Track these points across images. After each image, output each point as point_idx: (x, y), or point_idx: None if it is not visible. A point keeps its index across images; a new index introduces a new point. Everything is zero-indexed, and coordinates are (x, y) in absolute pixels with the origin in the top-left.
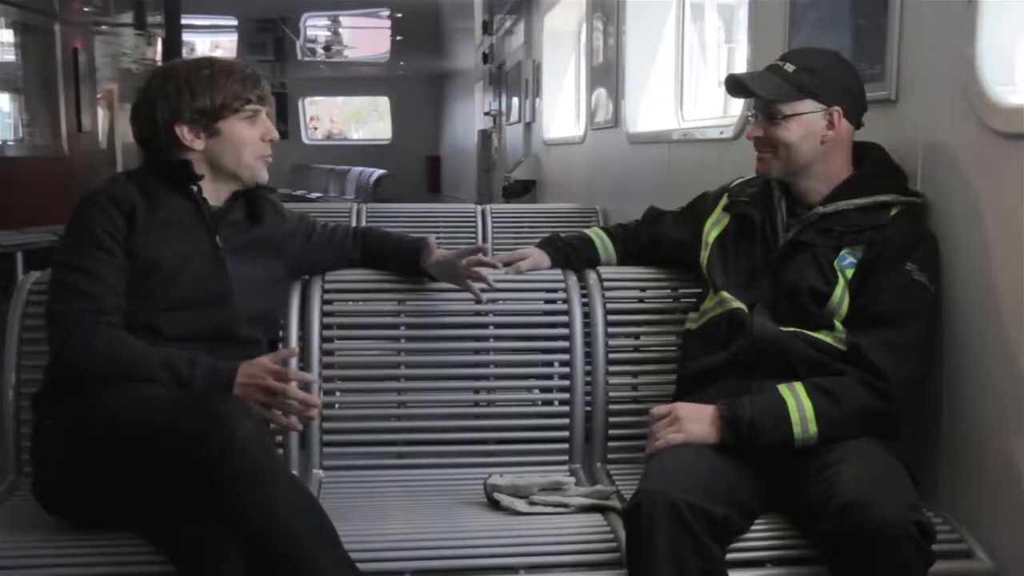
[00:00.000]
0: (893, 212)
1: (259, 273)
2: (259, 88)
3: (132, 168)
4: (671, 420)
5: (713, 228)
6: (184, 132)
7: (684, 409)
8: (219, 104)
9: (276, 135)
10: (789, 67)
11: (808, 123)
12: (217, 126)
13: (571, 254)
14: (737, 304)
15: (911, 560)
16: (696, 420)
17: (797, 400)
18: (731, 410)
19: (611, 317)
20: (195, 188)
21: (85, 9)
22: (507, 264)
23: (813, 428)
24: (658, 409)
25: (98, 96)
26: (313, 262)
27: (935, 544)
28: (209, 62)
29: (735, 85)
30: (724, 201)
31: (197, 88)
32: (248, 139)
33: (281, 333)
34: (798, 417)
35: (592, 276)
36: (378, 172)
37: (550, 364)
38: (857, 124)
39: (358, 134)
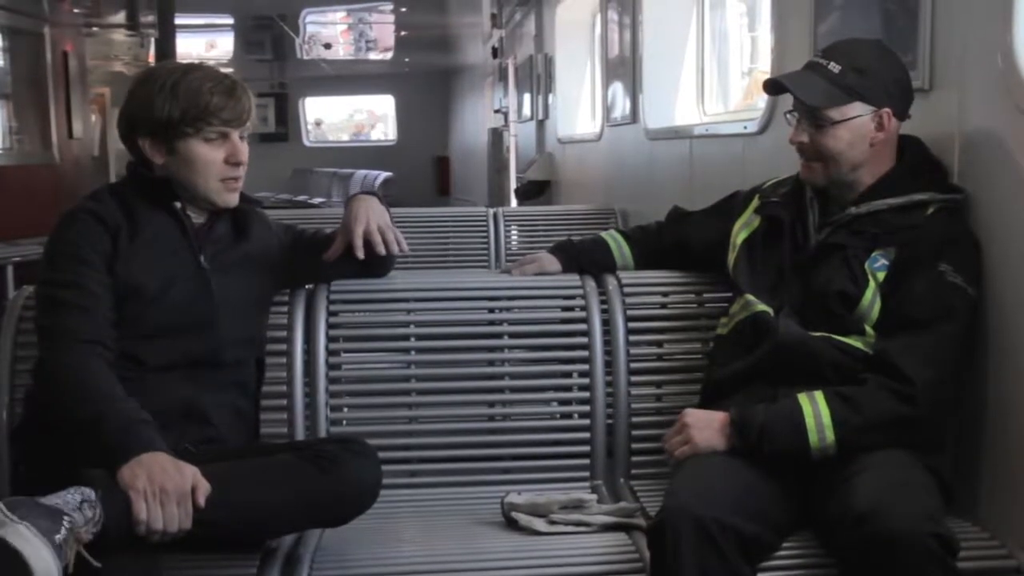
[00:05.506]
0: (929, 211)
1: (245, 291)
2: (229, 108)
3: (114, 182)
4: (678, 429)
5: (742, 230)
6: (146, 146)
7: (692, 416)
8: (177, 120)
9: (243, 158)
10: (834, 67)
11: (857, 127)
12: (174, 144)
13: (584, 259)
14: (762, 307)
15: (927, 574)
16: (703, 427)
17: (815, 407)
18: (742, 415)
19: (632, 324)
20: (177, 205)
21: (75, 10)
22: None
23: (831, 436)
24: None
25: (89, 101)
26: (302, 271)
27: (985, 561)
28: (183, 71)
29: (777, 88)
30: (755, 203)
31: (159, 100)
32: (208, 161)
33: (285, 347)
34: (814, 424)
35: (612, 281)
36: (384, 175)
37: (569, 375)
38: (903, 118)
39: None
